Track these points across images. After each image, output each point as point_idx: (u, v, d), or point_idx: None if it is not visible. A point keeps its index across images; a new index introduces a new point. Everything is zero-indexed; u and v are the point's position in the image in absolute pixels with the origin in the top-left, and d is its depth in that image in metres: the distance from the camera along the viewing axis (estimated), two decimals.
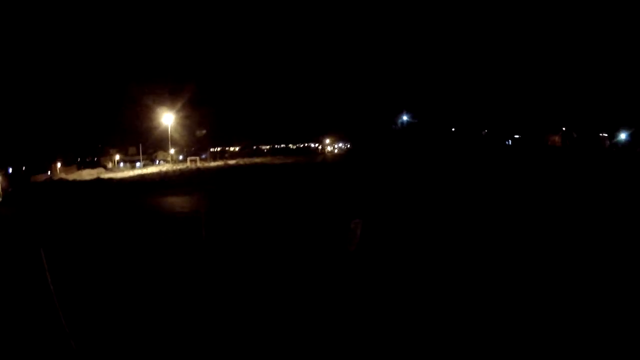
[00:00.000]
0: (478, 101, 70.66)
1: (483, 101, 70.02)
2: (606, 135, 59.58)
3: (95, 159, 53.51)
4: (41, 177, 39.88)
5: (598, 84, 58.09)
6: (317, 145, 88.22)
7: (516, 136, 71.19)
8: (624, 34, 63.38)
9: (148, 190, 30.32)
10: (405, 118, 76.47)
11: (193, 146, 61.66)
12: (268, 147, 78.30)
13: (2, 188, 30.62)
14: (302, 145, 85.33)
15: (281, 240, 12.42)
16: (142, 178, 39.01)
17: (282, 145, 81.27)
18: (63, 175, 42.99)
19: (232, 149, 70.87)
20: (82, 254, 11.75)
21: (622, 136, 55.04)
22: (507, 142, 71.18)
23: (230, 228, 14.23)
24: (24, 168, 42.90)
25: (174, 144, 55.66)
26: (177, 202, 24.27)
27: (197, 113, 59.20)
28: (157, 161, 57.47)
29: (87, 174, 43.28)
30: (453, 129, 78.42)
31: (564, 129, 65.34)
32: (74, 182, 37.15)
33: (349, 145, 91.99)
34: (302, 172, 43.67)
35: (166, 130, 52.07)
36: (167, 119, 52.59)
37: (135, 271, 10.23)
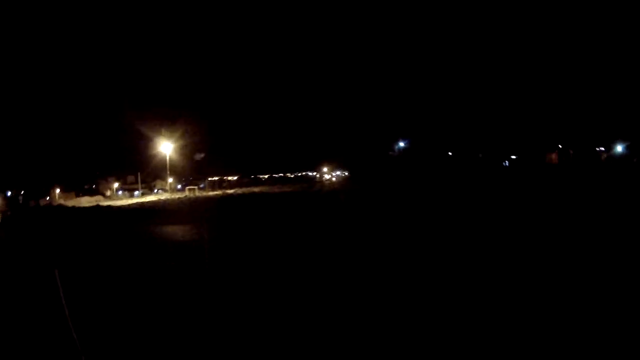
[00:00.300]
0: (473, 125, 72.20)
1: (478, 124, 71.46)
2: (603, 149, 60.02)
3: (94, 186, 53.57)
4: (40, 203, 39.81)
5: (592, 100, 59.43)
6: (315, 173, 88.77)
7: (513, 157, 72.03)
8: (618, 49, 65.69)
9: (148, 218, 30.35)
10: (402, 144, 78.70)
11: (191, 175, 61.86)
12: (266, 176, 78.54)
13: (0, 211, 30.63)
14: (300, 174, 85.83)
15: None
16: (141, 206, 38.98)
17: (280, 174, 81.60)
18: (62, 202, 43.02)
19: (230, 178, 71.00)
20: (88, 276, 11.44)
21: (619, 149, 55.43)
22: (504, 164, 71.95)
23: (231, 254, 14.25)
24: (22, 193, 42.94)
25: (172, 173, 55.82)
26: (178, 230, 24.17)
27: (196, 142, 59.78)
28: (156, 190, 57.45)
29: (86, 201, 43.26)
30: (450, 153, 79.37)
31: (560, 146, 65.57)
32: (73, 208, 37.12)
33: (346, 173, 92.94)
34: (300, 199, 43.85)
35: (164, 159, 52.26)
36: (166, 147, 52.71)
37: (140, 293, 10.04)
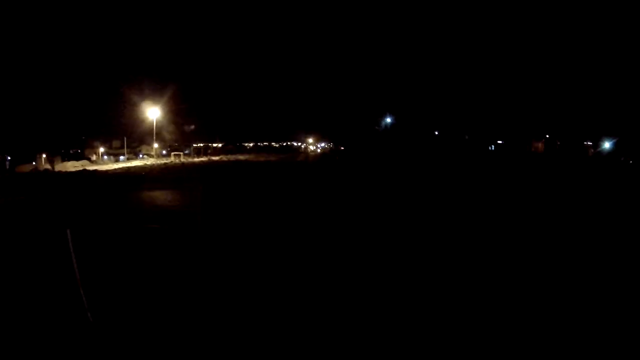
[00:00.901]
0: (461, 106, 71.21)
1: (467, 106, 70.53)
2: (590, 143, 59.50)
3: (79, 151, 53.57)
4: (26, 168, 40.16)
5: (583, 93, 58.50)
6: (299, 144, 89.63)
7: (499, 142, 71.81)
8: (609, 44, 63.29)
9: (135, 183, 31.08)
10: (388, 120, 77.04)
11: (176, 141, 62.23)
12: (251, 144, 79.31)
13: None
14: (285, 144, 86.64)
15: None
16: (127, 171, 39.64)
17: (265, 143, 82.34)
18: (48, 167, 43.32)
19: (215, 145, 71.59)
20: (83, 239, 11.96)
21: (607, 145, 54.85)
22: (489, 148, 72.05)
23: (222, 219, 15.14)
24: (9, 158, 43.14)
25: (157, 138, 56.17)
26: (166, 195, 24.74)
27: (182, 108, 59.83)
28: (141, 155, 57.73)
29: (72, 166, 43.64)
30: (436, 133, 79.34)
31: (547, 136, 65.11)
32: (60, 173, 37.65)
33: (331, 145, 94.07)
34: (286, 169, 44.96)
35: (151, 125, 52.55)
36: (153, 113, 52.91)
37: (134, 255, 10.61)
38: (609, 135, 54.04)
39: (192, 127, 66.73)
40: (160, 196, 25.32)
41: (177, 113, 59.57)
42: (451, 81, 79.76)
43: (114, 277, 9.27)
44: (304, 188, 25.39)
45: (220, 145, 71.92)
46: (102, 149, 56.46)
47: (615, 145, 52.89)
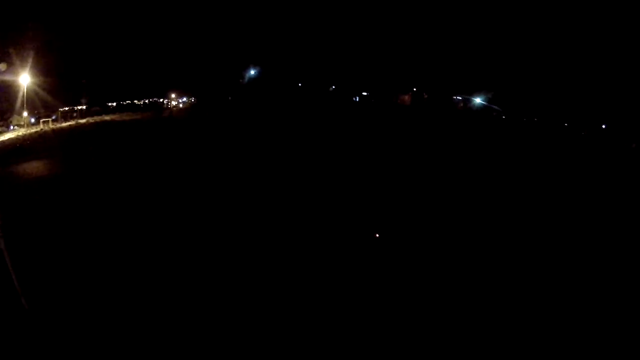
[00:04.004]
0: (326, 57, 71.42)
1: (331, 58, 70.82)
2: (460, 98, 58.78)
3: None
4: None
5: (453, 46, 56.69)
6: (162, 100, 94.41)
7: (364, 93, 72.26)
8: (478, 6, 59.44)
9: (19, 155, 34.95)
10: (252, 72, 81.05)
11: (42, 107, 64.62)
12: (115, 104, 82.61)
13: None
14: (148, 101, 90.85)
15: None
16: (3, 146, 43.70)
17: (128, 102, 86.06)
18: None
19: (80, 107, 74.43)
20: None
21: (478, 100, 54.47)
22: (354, 99, 73.00)
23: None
24: None
25: (27, 107, 57.78)
26: (46, 165, 27.87)
27: (43, 67, 61.30)
28: (12, 127, 59.42)
29: None
30: (300, 84, 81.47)
31: (414, 89, 64.51)
32: None
33: (193, 100, 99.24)
34: (149, 126, 49.66)
35: (20, 93, 54.74)
36: (24, 79, 54.90)
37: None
38: (480, 91, 54.51)
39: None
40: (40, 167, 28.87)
41: (43, 78, 61.41)
42: (316, 32, 79.21)
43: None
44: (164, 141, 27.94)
45: (85, 107, 74.92)
46: None
47: (488, 101, 53.58)
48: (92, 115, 70.55)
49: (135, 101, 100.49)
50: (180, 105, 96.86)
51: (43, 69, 63.88)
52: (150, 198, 15.92)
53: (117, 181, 19.10)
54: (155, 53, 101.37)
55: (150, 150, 25.29)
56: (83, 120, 64.62)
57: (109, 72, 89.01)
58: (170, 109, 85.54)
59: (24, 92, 55.87)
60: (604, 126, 47.85)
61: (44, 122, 59.33)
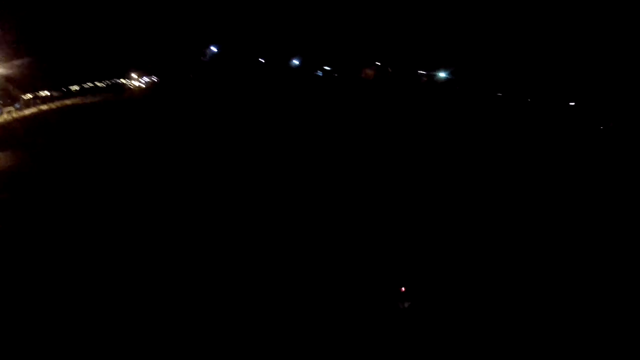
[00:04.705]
0: (287, 32, 70.04)
1: (292, 32, 69.96)
2: (424, 72, 57.25)
3: None
4: None
5: (419, 22, 54.31)
6: (124, 80, 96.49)
7: (326, 68, 71.88)
8: None
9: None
10: (214, 49, 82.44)
11: (7, 96, 67.06)
12: (77, 87, 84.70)
13: None
14: (109, 82, 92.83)
15: None
16: None
17: (90, 84, 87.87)
18: None
19: (42, 93, 76.66)
20: None
21: (442, 74, 53.71)
22: (317, 73, 72.96)
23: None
24: None
25: None
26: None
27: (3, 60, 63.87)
28: None
29: None
30: (262, 60, 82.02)
31: (378, 63, 63.10)
32: None
33: (155, 79, 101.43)
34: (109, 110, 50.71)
35: None
36: None
37: None
38: (444, 66, 53.49)
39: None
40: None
41: (3, 66, 63.69)
42: (276, 6, 76.73)
43: None
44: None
45: (47, 93, 77.04)
46: None
47: (451, 74, 52.99)
48: (53, 101, 73.58)
49: (97, 83, 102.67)
50: (143, 86, 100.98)
51: (2, 57, 66.05)
52: (114, 188, 15.89)
53: (82, 170, 18.68)
54: (116, 33, 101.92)
55: (110, 135, 24.48)
56: (45, 107, 66.78)
57: (70, 54, 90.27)
58: (132, 90, 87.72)
59: None
60: (572, 103, 44.95)
61: (7, 111, 61.80)
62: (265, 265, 13.05)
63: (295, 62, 77.30)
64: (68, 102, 71.14)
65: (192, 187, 15.40)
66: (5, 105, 65.97)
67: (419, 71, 58.20)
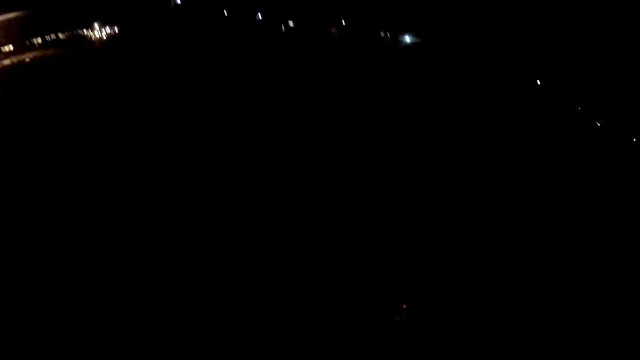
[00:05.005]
0: None
1: None
2: (388, 34, 64.28)
3: None
4: None
5: None
6: (86, 31, 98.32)
7: (291, 24, 74.52)
8: None
9: None
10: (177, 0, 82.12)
11: None
12: (40, 41, 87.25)
13: None
14: (71, 33, 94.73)
15: None
16: None
17: (52, 37, 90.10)
18: None
19: (5, 49, 79.71)
20: None
21: (407, 39, 60.52)
22: (281, 29, 73.26)
23: None
24: None
25: None
26: None
27: None
28: None
29: None
30: (226, 13, 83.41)
31: (343, 22, 69.55)
32: None
33: (117, 30, 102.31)
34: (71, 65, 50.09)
35: None
36: None
37: None
38: (411, 30, 56.53)
39: None
40: None
41: None
42: None
43: None
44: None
45: (11, 47, 79.93)
46: None
47: (416, 37, 58.09)
48: (15, 55, 74.60)
49: (60, 35, 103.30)
50: (104, 37, 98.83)
51: None
52: (77, 158, 14.73)
53: (42, 137, 17.45)
54: None
55: (71, 96, 17.61)
56: (7, 61, 67.80)
57: (33, 4, 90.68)
58: (93, 41, 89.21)
59: None
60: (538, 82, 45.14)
61: None
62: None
63: (259, 16, 77.89)
64: (30, 55, 72.64)
65: (159, 154, 14.89)
66: None
67: (382, 32, 56.68)
